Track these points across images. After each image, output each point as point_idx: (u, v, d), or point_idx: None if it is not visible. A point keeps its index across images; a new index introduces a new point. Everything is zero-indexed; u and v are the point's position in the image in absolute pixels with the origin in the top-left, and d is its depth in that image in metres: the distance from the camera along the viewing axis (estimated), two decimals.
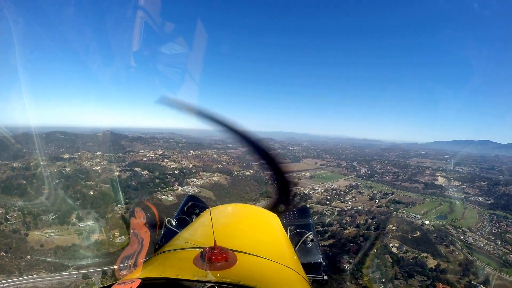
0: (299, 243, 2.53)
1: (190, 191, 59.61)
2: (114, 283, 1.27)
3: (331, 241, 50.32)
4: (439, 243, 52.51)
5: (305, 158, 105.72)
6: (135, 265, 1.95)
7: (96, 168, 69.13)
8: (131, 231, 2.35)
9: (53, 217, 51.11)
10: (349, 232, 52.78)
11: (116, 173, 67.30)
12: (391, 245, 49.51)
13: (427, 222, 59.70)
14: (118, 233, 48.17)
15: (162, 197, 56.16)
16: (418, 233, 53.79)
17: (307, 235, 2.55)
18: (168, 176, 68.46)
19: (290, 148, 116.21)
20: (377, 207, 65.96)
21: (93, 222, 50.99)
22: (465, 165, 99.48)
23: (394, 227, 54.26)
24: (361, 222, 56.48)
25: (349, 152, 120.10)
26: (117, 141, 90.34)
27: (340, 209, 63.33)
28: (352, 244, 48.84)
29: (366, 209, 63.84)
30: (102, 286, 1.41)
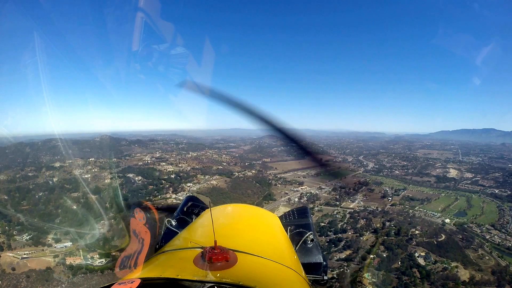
0: (300, 243, 2.42)
1: (178, 197, 50.92)
2: (114, 283, 1.24)
3: (347, 252, 41.29)
4: (466, 246, 44.69)
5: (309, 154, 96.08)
6: (135, 265, 1.82)
7: (86, 176, 60.95)
8: (131, 231, 2.15)
9: (28, 237, 42.80)
10: (367, 240, 43.97)
11: (106, 181, 58.64)
12: (416, 254, 40.91)
13: (447, 220, 52.13)
14: (97, 255, 39.67)
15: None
16: (443, 237, 45.64)
17: (307, 235, 2.44)
18: (163, 182, 59.79)
19: (294, 145, 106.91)
20: (391, 205, 57.65)
21: (70, 243, 42.31)
22: (473, 155, 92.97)
23: (417, 231, 45.31)
24: (378, 225, 47.75)
25: (353, 146, 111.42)
26: (114, 146, 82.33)
27: (352, 210, 54.58)
28: (372, 256, 39.71)
29: (379, 209, 55.30)
30: (102, 286, 1.26)
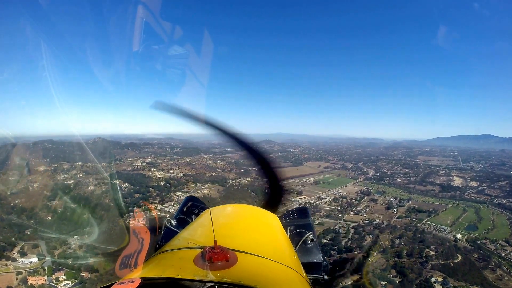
0: (299, 243, 2.33)
1: (171, 210, 44.13)
2: (115, 283, 1.21)
3: (355, 277, 34.44)
4: (483, 267, 39.11)
5: (307, 160, 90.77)
6: (135, 264, 1.76)
7: (70, 182, 54.46)
8: (131, 231, 2.11)
9: None
10: (376, 262, 37.17)
11: (90, 187, 52.19)
12: (433, 279, 34.59)
13: (459, 236, 46.51)
14: (64, 276, 33.02)
15: (131, 222, 40.35)
16: (460, 258, 39.68)
17: (307, 235, 2.34)
18: (151, 189, 53.32)
19: (291, 150, 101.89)
20: (397, 218, 51.52)
21: (37, 259, 35.64)
22: (473, 162, 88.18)
23: (431, 252, 39.01)
24: (387, 243, 41.45)
25: (352, 152, 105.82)
26: (107, 149, 75.49)
27: (356, 224, 48.24)
28: (384, 283, 33.10)
29: (385, 222, 49.21)
30: (102, 286, 1.22)
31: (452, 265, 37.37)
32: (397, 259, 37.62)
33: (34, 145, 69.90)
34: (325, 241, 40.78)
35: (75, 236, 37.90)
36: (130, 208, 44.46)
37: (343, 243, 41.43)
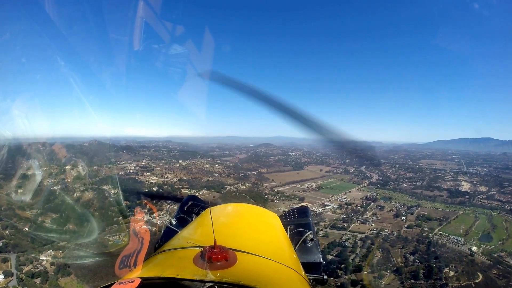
0: (299, 242, 2.32)
1: (159, 222, 38.96)
2: (114, 283, 1.20)
3: None
4: (505, 285, 34.38)
5: (308, 164, 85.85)
6: (135, 264, 1.72)
7: (56, 188, 49.28)
8: (131, 230, 2.06)
9: None
10: (389, 285, 31.86)
11: (76, 194, 47.16)
12: None
13: (474, 248, 41.74)
14: None
15: (111, 238, 34.96)
16: (480, 277, 34.62)
17: (307, 234, 2.33)
18: (142, 196, 47.83)
19: (291, 153, 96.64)
20: (407, 228, 46.60)
21: (2, 276, 30.56)
22: (477, 166, 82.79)
23: (451, 272, 33.85)
24: (399, 260, 36.10)
25: (353, 156, 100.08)
26: (102, 152, 70.34)
27: (363, 235, 43.16)
28: None
29: (395, 233, 44.23)
30: (101, 286, 1.23)
31: (473, 286, 32.36)
32: (413, 280, 32.44)
33: (28, 147, 65.17)
34: (330, 257, 35.47)
35: (48, 251, 32.83)
36: (115, 219, 39.70)
37: (350, 260, 36.14)
